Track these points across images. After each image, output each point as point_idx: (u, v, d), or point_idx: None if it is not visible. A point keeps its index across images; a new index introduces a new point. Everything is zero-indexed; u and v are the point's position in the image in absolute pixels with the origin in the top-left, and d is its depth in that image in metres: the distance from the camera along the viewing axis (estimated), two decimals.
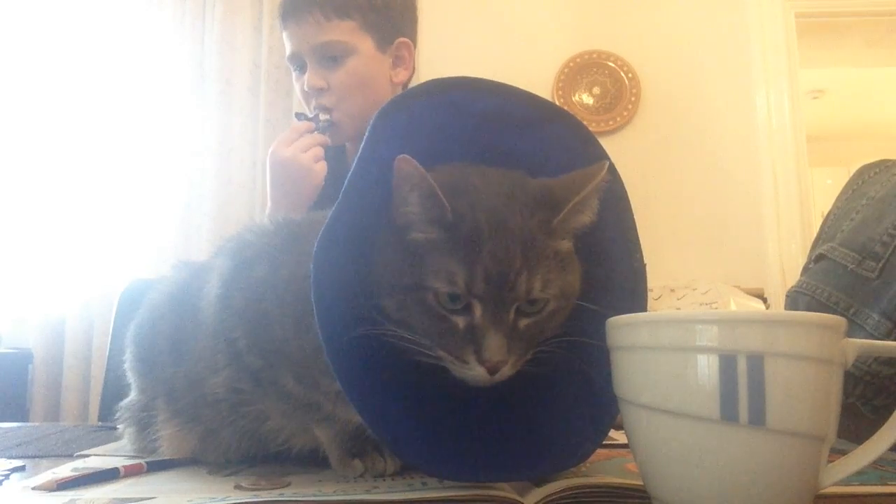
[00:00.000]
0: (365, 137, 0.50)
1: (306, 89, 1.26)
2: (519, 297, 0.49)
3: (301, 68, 1.28)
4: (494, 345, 0.48)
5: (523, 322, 0.50)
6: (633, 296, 0.56)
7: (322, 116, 1.25)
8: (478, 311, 0.48)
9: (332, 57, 1.23)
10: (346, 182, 0.50)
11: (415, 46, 1.34)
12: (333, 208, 0.49)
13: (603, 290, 0.55)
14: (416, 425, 0.50)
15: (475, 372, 0.48)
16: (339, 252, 0.49)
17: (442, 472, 0.49)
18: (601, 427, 0.54)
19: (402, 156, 0.48)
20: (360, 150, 0.50)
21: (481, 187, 0.51)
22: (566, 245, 0.53)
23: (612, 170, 0.54)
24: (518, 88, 0.57)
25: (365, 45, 1.24)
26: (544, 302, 0.50)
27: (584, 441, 0.53)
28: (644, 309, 0.55)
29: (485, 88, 0.56)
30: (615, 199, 0.55)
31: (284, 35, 1.27)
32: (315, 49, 1.23)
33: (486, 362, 0.48)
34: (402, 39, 1.30)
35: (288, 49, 1.27)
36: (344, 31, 1.22)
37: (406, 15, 1.32)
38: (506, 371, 0.49)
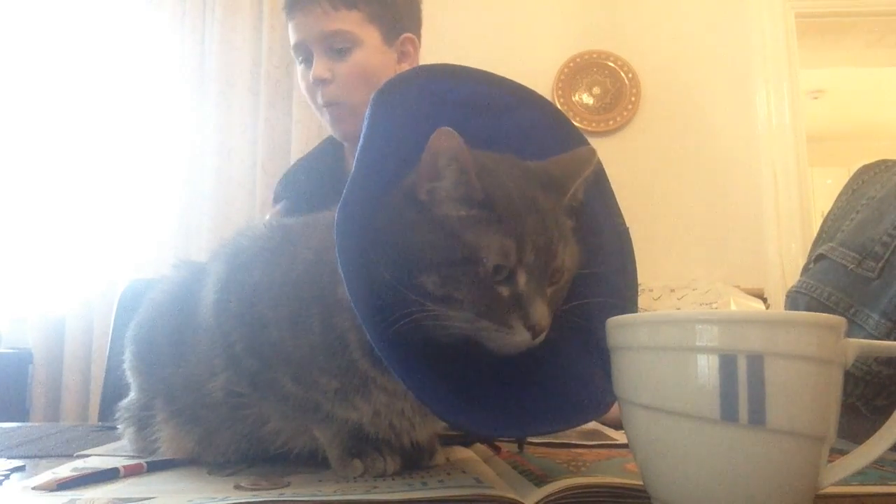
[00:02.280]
0: (366, 125, 0.51)
1: (311, 80, 1.25)
2: (556, 266, 0.52)
3: (306, 60, 1.27)
4: (540, 310, 0.51)
5: (549, 290, 0.53)
6: (622, 257, 0.60)
7: None
8: (522, 280, 0.51)
9: (338, 48, 1.23)
10: (354, 165, 0.50)
11: (420, 43, 1.34)
12: (343, 197, 0.49)
13: (594, 254, 0.58)
14: (453, 393, 0.52)
15: (520, 337, 0.50)
16: (359, 234, 0.50)
17: (480, 429, 0.53)
18: None
19: (443, 128, 0.49)
20: (363, 136, 0.51)
21: (496, 168, 0.53)
22: (570, 223, 0.56)
23: (589, 146, 0.59)
24: (496, 75, 0.59)
25: (371, 37, 1.24)
26: (562, 272, 0.54)
27: (604, 392, 0.54)
28: (633, 269, 0.60)
29: (465, 76, 0.58)
30: (595, 174, 0.59)
31: (290, 25, 1.27)
32: (322, 38, 1.23)
33: (533, 327, 0.50)
34: (407, 35, 1.30)
35: (293, 39, 1.27)
36: (351, 22, 1.22)
37: (411, 10, 1.32)
38: (542, 336, 0.51)
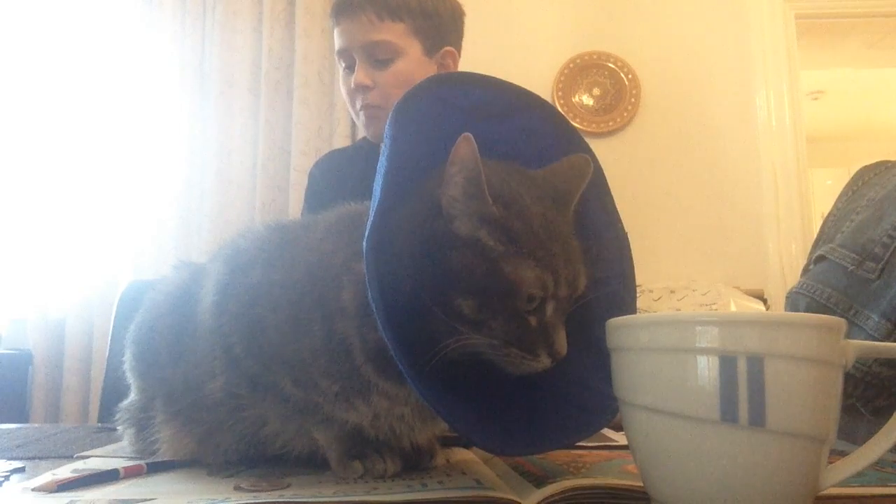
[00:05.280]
0: (389, 137, 0.51)
1: (353, 87, 1.28)
2: (578, 294, 0.53)
3: (349, 65, 1.31)
4: (562, 339, 0.52)
5: None
6: (621, 261, 0.60)
7: None
8: (550, 310, 0.52)
9: (381, 57, 1.26)
10: (381, 185, 0.50)
11: (459, 56, 1.37)
12: (374, 214, 0.49)
13: (593, 261, 0.58)
14: (476, 414, 0.52)
15: (542, 364, 0.52)
16: (391, 249, 0.51)
17: (497, 448, 0.54)
18: None
19: (466, 134, 0.49)
20: (388, 153, 0.50)
21: (518, 189, 0.53)
22: (579, 244, 0.56)
23: (589, 149, 0.60)
24: (498, 79, 0.59)
25: (413, 49, 1.28)
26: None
27: (609, 399, 0.54)
28: (632, 274, 0.60)
29: (471, 81, 0.58)
30: (594, 178, 0.58)
31: (336, 31, 1.30)
32: (365, 47, 1.26)
33: (556, 355, 0.52)
34: (447, 48, 1.33)
35: (337, 45, 1.31)
36: (394, 33, 1.25)
37: (454, 25, 1.35)
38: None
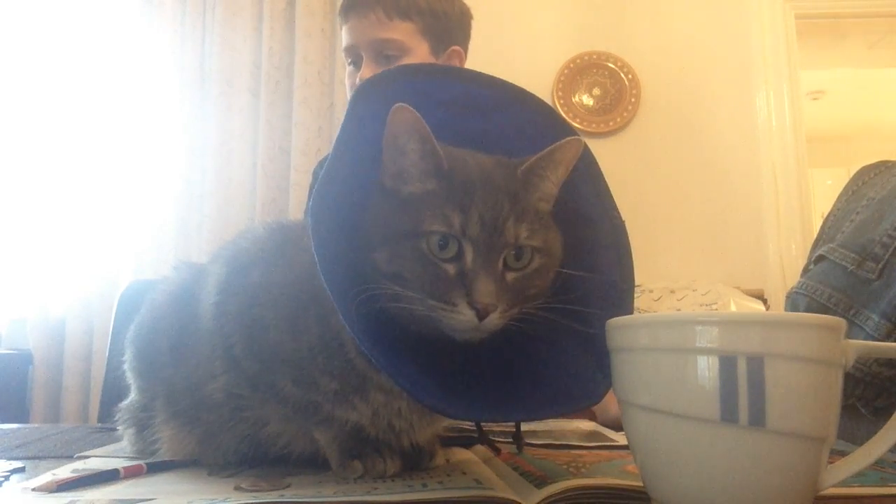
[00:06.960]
0: (345, 115, 0.52)
1: (358, 83, 1.29)
2: (507, 242, 0.51)
3: (355, 63, 1.32)
4: (484, 288, 0.49)
5: (510, 276, 0.52)
6: (617, 250, 0.58)
7: None
8: (469, 256, 0.51)
9: (388, 54, 1.27)
10: (329, 158, 0.51)
11: (466, 56, 1.38)
12: (319, 181, 0.50)
13: (589, 250, 0.57)
14: (429, 376, 0.51)
15: (464, 316, 0.49)
16: (332, 217, 0.51)
17: (459, 412, 0.52)
18: (608, 370, 0.53)
19: (398, 104, 0.50)
20: (341, 128, 0.52)
21: (466, 155, 0.55)
22: (545, 206, 0.56)
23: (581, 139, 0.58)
24: (485, 74, 0.59)
25: (420, 48, 1.29)
26: (529, 257, 0.53)
27: (595, 384, 0.54)
28: (629, 262, 0.58)
29: (453, 75, 0.58)
30: (587, 166, 0.58)
31: (344, 28, 1.32)
32: (373, 44, 1.27)
33: (476, 304, 0.49)
34: (454, 48, 1.34)
35: (345, 41, 1.32)
36: (403, 32, 1.27)
37: (461, 26, 1.37)
38: (494, 319, 0.50)
